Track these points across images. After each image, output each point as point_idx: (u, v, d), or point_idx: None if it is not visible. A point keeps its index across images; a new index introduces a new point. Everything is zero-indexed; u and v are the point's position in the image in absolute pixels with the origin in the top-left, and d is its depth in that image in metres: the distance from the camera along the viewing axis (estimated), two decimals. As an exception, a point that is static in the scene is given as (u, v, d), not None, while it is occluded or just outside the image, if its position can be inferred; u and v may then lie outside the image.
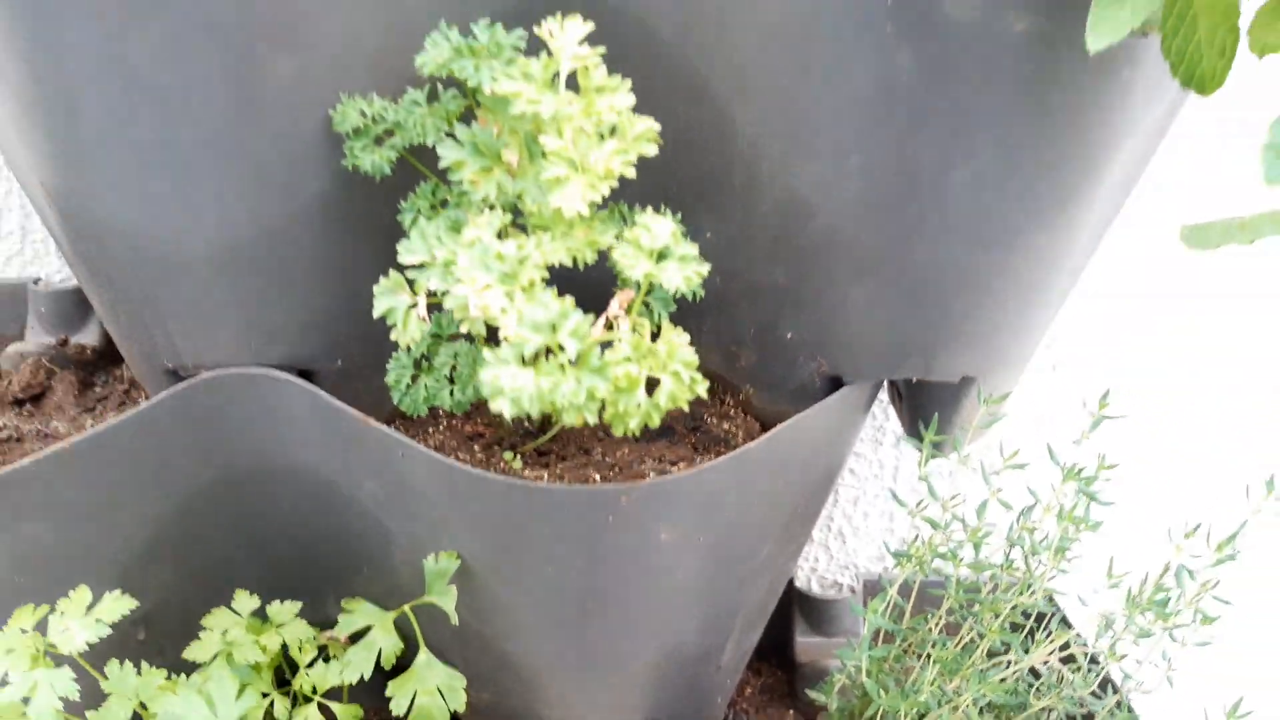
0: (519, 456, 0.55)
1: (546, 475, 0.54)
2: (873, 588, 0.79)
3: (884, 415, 0.76)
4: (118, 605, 0.48)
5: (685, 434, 0.60)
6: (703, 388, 0.39)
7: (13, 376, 0.66)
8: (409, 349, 0.50)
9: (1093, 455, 0.51)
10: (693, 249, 0.40)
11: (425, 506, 0.54)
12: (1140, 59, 0.44)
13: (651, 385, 0.39)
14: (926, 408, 0.58)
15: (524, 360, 0.36)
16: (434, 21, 0.46)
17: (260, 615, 0.55)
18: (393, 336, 0.42)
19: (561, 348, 0.36)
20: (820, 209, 0.50)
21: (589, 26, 0.43)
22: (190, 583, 0.58)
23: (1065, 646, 0.51)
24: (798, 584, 0.80)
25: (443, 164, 0.43)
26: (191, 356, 0.55)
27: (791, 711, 0.75)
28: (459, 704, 0.52)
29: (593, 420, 0.38)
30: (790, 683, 0.77)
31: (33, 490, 0.53)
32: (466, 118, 0.46)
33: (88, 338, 0.70)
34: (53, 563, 0.55)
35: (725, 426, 0.60)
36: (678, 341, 0.38)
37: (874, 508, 0.80)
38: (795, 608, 0.77)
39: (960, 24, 0.43)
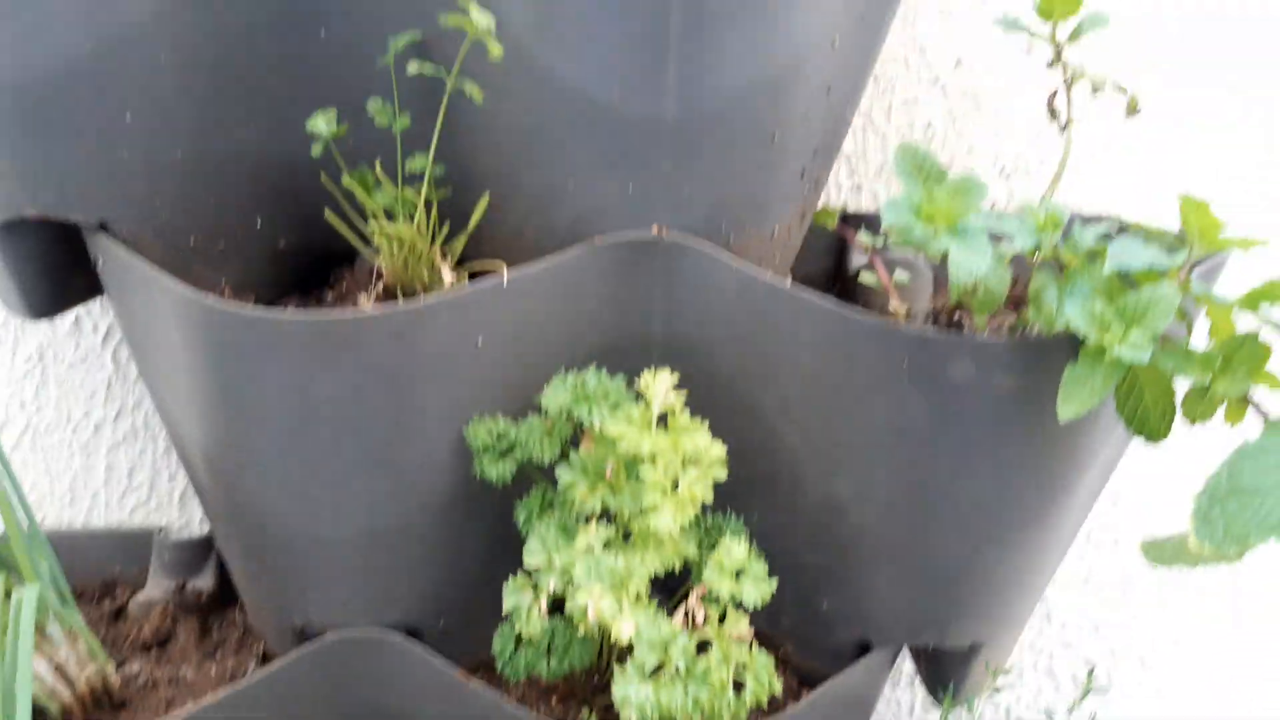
0: (593, 713, 0.64)
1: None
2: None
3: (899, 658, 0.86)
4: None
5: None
6: (778, 687, 0.49)
7: (143, 623, 0.75)
8: (508, 630, 0.60)
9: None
10: (763, 568, 0.51)
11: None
12: (1101, 413, 0.56)
13: (737, 686, 0.49)
14: (943, 668, 0.68)
15: (644, 674, 0.47)
16: (554, 364, 0.59)
17: None
18: (516, 629, 0.52)
19: (675, 666, 0.47)
20: (852, 509, 0.61)
21: (675, 377, 0.56)
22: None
23: None
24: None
25: (560, 485, 0.55)
26: (320, 617, 0.65)
27: None
28: None
29: None
30: None
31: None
32: (575, 439, 0.58)
33: (203, 583, 0.80)
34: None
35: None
36: (761, 657, 0.49)
37: (893, 742, 0.88)
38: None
39: (960, 382, 0.55)
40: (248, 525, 0.64)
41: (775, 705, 0.67)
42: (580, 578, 0.49)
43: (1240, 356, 0.49)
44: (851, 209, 0.78)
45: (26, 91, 0.57)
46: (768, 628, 0.70)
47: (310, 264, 0.72)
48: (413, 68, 0.57)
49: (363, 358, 0.56)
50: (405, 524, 0.62)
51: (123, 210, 0.62)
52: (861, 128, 0.81)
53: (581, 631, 0.49)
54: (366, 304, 0.63)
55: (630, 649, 0.49)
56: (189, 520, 0.86)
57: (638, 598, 0.48)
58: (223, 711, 0.62)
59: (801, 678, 0.70)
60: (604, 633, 0.50)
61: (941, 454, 0.58)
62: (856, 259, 0.75)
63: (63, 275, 0.69)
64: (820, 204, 0.73)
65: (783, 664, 0.71)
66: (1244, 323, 0.53)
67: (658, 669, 0.47)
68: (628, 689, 0.46)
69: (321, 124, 0.59)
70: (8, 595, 0.60)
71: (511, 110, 0.60)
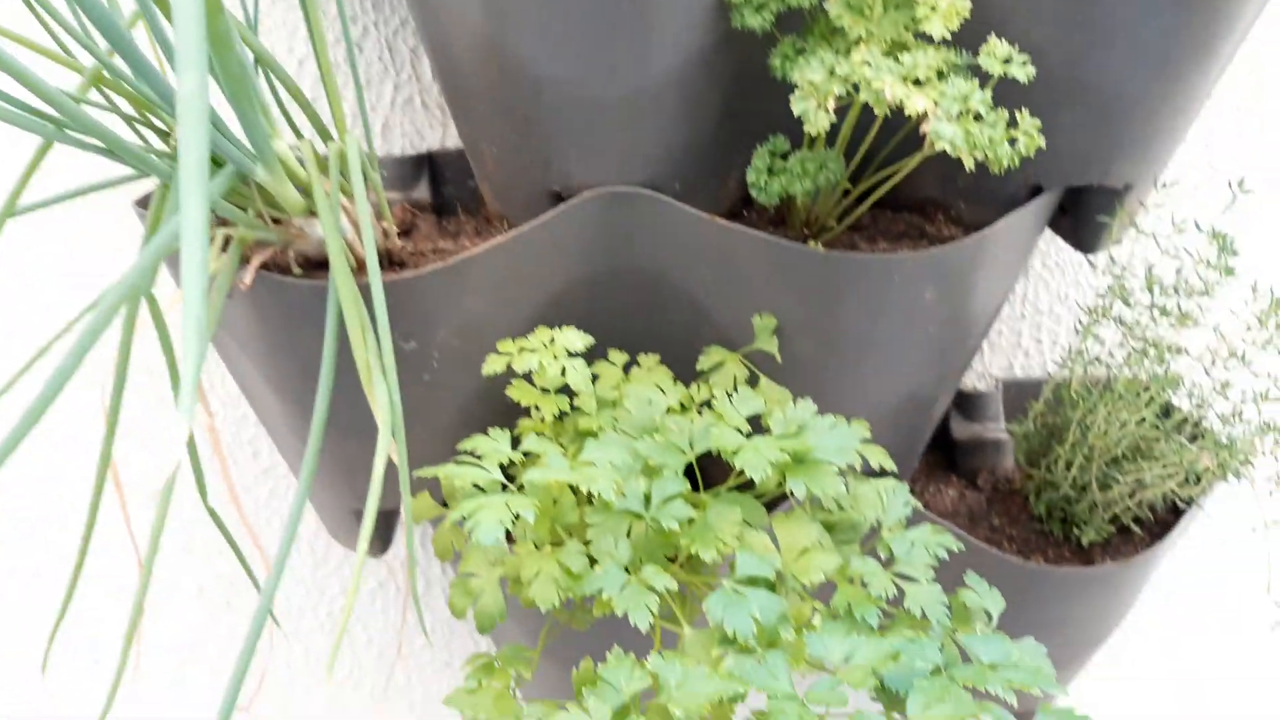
0: (819, 244, 0.76)
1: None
2: (1010, 387, 1.02)
3: (1018, 252, 0.99)
4: (584, 338, 0.68)
5: (918, 239, 0.82)
6: (1042, 142, 0.61)
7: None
8: (767, 156, 0.71)
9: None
10: (1024, 56, 0.62)
11: (749, 282, 0.76)
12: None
13: (1012, 141, 0.61)
14: (1091, 213, 0.81)
15: (951, 119, 0.58)
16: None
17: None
18: (806, 129, 0.63)
19: (975, 111, 0.58)
20: (1041, 56, 0.72)
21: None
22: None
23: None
24: (951, 386, 1.03)
25: (833, 16, 0.64)
26: (579, 179, 0.75)
27: (954, 477, 0.98)
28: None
29: (983, 156, 0.60)
30: (948, 459, 1.00)
31: (476, 272, 0.73)
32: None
33: (421, 194, 0.90)
34: (481, 327, 0.75)
35: (945, 233, 0.82)
36: (1030, 118, 0.60)
37: (1007, 327, 1.02)
38: (951, 401, 1.00)
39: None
40: (515, 95, 0.73)
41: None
42: (870, 74, 0.59)
43: None
44: None
45: None
46: (938, 193, 0.83)
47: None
48: None
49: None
50: (659, 81, 0.71)
51: None
52: None
53: (878, 111, 0.60)
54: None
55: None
56: (390, 149, 0.94)
57: (929, 79, 0.59)
58: (502, 256, 0.73)
59: (971, 231, 0.82)
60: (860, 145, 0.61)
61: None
62: None
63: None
64: None
65: (954, 223, 0.84)
66: None
67: (958, 116, 0.58)
68: (940, 128, 0.57)
69: None
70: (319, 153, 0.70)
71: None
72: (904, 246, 0.79)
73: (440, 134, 0.95)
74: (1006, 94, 0.67)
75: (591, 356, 0.79)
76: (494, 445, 0.59)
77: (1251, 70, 0.94)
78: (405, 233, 0.85)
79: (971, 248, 0.74)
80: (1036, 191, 0.78)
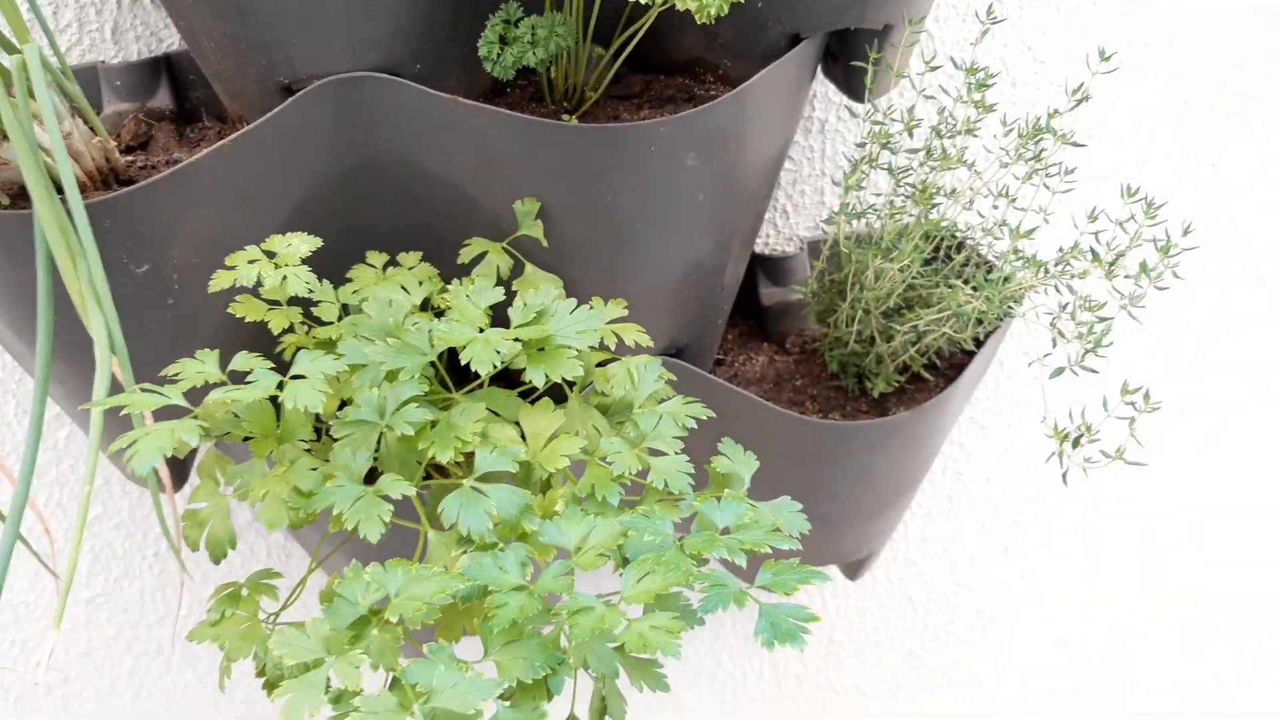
0: (574, 117, 0.73)
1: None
2: (814, 248, 1.01)
3: (812, 108, 0.97)
4: (310, 241, 0.64)
5: (684, 103, 0.78)
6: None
7: (119, 130, 0.78)
8: (500, 26, 0.66)
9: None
10: None
11: (506, 165, 0.72)
12: None
13: None
14: (856, 56, 0.78)
15: None
16: None
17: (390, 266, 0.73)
18: (497, 30, 0.58)
19: None
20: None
21: None
22: (325, 253, 0.74)
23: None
24: (755, 251, 1.01)
25: None
26: (307, 69, 0.70)
27: (765, 344, 0.97)
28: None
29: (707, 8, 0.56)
30: (759, 326, 0.99)
31: (203, 181, 0.68)
32: None
33: (161, 102, 0.83)
34: (222, 242, 0.70)
35: (714, 93, 0.79)
36: None
37: (809, 186, 1.01)
38: (757, 266, 0.98)
39: None
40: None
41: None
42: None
43: None
44: None
45: None
46: (704, 51, 0.79)
47: None
48: None
49: None
50: (374, -43, 0.66)
51: None
52: None
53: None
54: None
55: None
56: (125, 54, 0.86)
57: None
58: (232, 160, 0.68)
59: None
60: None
61: None
62: None
63: None
64: None
65: (722, 83, 0.81)
66: None
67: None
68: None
69: None
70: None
71: None
72: (668, 112, 0.76)
73: (178, 34, 0.87)
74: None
75: (351, 258, 0.75)
76: (197, 367, 0.55)
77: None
78: (140, 146, 0.79)
79: (728, 107, 0.71)
80: (797, 40, 0.76)
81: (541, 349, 0.57)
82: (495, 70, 0.67)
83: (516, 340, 0.56)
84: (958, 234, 0.77)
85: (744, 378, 0.92)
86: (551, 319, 0.58)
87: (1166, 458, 1.28)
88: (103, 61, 0.84)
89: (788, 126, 0.81)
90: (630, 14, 0.71)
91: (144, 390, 0.53)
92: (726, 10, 0.58)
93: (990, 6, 0.69)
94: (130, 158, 0.76)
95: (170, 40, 0.87)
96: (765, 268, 0.99)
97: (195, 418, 0.53)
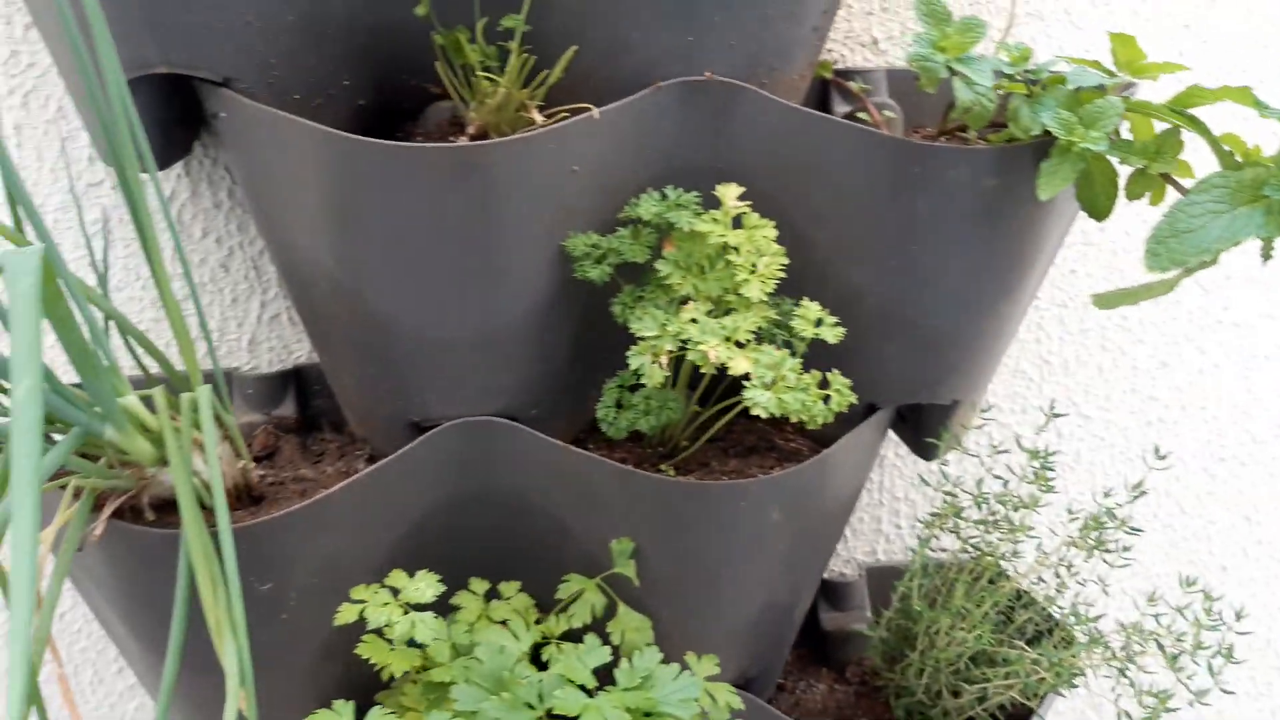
0: (672, 469, 0.80)
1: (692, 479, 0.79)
2: (874, 573, 1.06)
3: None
4: (435, 586, 0.70)
5: (767, 452, 0.86)
6: (853, 398, 0.65)
7: (250, 440, 0.86)
8: (616, 391, 0.74)
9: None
10: (833, 319, 0.67)
11: (605, 505, 0.78)
12: (1058, 200, 0.74)
13: (825, 398, 0.65)
14: (927, 423, 0.86)
15: (765, 387, 0.62)
16: (628, 187, 0.72)
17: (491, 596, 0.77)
18: (644, 380, 0.66)
19: (785, 379, 0.62)
20: (867, 293, 0.78)
21: (740, 189, 0.70)
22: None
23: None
24: (817, 575, 1.06)
25: (661, 275, 0.69)
26: (437, 411, 0.78)
27: (825, 669, 1.00)
28: (649, 639, 0.75)
29: (800, 418, 0.64)
30: (819, 650, 1.02)
31: (334, 509, 0.74)
32: (656, 247, 0.72)
33: (287, 411, 0.91)
34: (339, 563, 0.76)
35: (792, 445, 0.86)
36: (840, 377, 0.65)
37: (868, 514, 1.07)
38: (819, 592, 1.03)
39: (957, 183, 0.72)
40: (373, 336, 0.75)
41: (801, 457, 0.84)
42: (697, 335, 0.64)
43: (1166, 146, 0.67)
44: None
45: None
46: (787, 407, 0.87)
47: (377, 120, 0.82)
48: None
49: (485, 179, 0.68)
50: (510, 324, 0.75)
51: (244, 68, 0.71)
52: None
53: (704, 370, 0.64)
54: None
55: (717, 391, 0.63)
56: (258, 363, 0.96)
57: (749, 342, 0.63)
58: (361, 492, 0.75)
59: (817, 443, 0.87)
60: (700, 383, 0.65)
61: (940, 242, 0.75)
62: (839, 106, 0.90)
63: (169, 131, 0.77)
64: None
65: (800, 433, 0.88)
66: (1159, 126, 0.71)
67: (772, 384, 0.62)
68: (756, 395, 0.61)
69: (428, -14, 0.70)
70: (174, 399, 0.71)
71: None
72: (753, 462, 0.83)
73: (307, 346, 0.96)
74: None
75: (454, 582, 0.80)
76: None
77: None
78: (268, 456, 0.86)
79: (812, 470, 0.78)
80: (873, 410, 0.84)
81: (646, 715, 0.61)
82: (610, 431, 0.75)
83: (625, 709, 0.60)
84: (1023, 593, 0.82)
85: (805, 708, 0.94)
86: (655, 685, 0.62)
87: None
88: (238, 368, 0.93)
89: (861, 479, 0.88)
90: (731, 385, 0.79)
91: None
92: (832, 419, 0.65)
93: (1053, 403, 0.77)
94: (260, 471, 0.82)
95: (299, 353, 0.96)
96: (826, 592, 1.03)
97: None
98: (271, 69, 0.72)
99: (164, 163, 0.78)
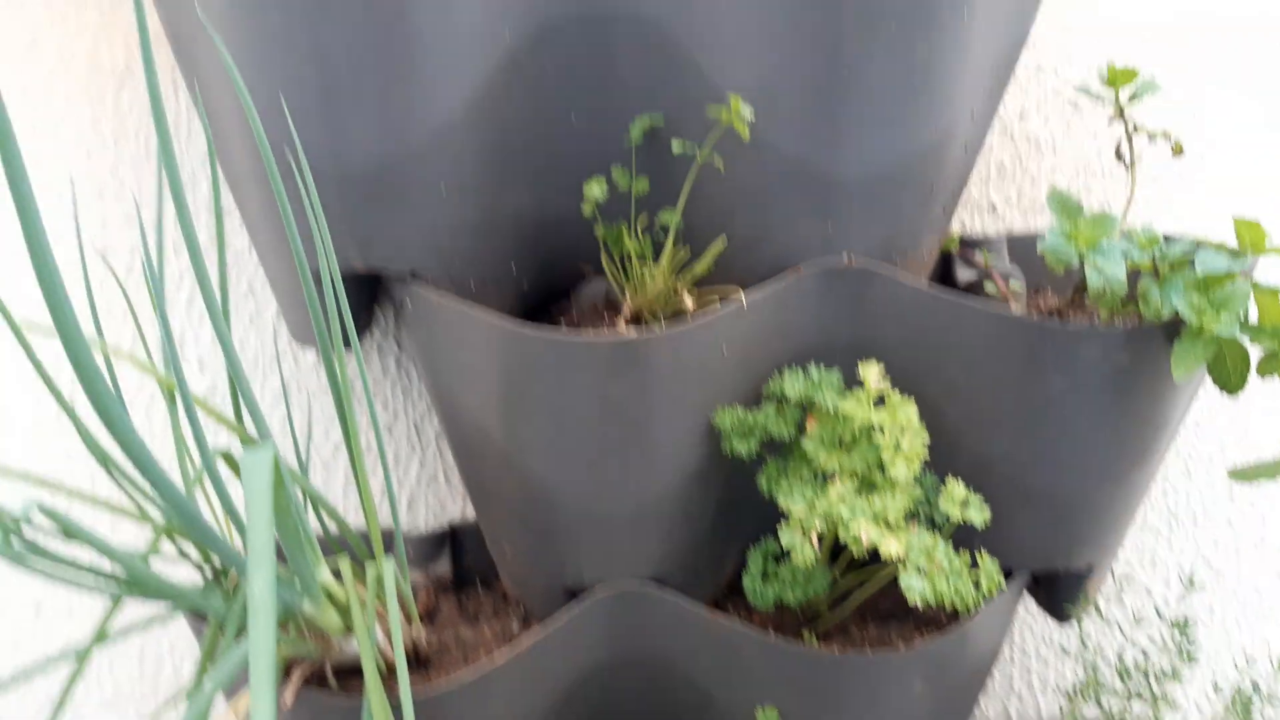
0: (814, 635, 0.82)
1: (835, 648, 0.81)
2: None
3: (1002, 599, 1.05)
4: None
5: (905, 620, 0.88)
6: (1002, 582, 0.68)
7: (415, 601, 0.91)
8: (760, 561, 0.78)
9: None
10: (978, 499, 0.71)
11: (749, 671, 0.81)
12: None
13: (975, 583, 0.68)
14: (1061, 589, 0.87)
15: (919, 572, 0.65)
16: (771, 365, 0.78)
17: (640, 757, 0.80)
18: (794, 559, 0.70)
19: (938, 563, 0.65)
20: (999, 465, 0.81)
21: (881, 366, 0.75)
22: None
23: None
24: None
25: (807, 452, 0.73)
26: (591, 578, 0.82)
27: (963, 833, 0.99)
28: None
29: (952, 605, 0.67)
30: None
31: (497, 676, 0.78)
32: (800, 422, 0.77)
33: (442, 569, 0.97)
34: (502, 726, 0.80)
35: (931, 613, 0.88)
36: (992, 562, 0.68)
37: (999, 671, 1.07)
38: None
39: (1089, 361, 0.75)
40: (537, 508, 0.81)
41: (939, 623, 0.85)
42: (846, 514, 0.67)
43: (1297, 329, 0.69)
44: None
45: (369, 174, 0.75)
46: (922, 569, 0.89)
47: (537, 302, 0.90)
48: (676, 147, 0.76)
49: (646, 367, 0.74)
50: (661, 496, 0.79)
51: (429, 262, 0.80)
52: (952, 172, 1.01)
53: (855, 551, 0.67)
54: (624, 329, 0.81)
55: (854, 567, 0.67)
56: (416, 522, 1.02)
57: (899, 524, 0.67)
58: (525, 661, 0.79)
59: (956, 610, 0.88)
60: (842, 553, 0.68)
61: (1072, 415, 0.78)
62: (963, 273, 0.95)
63: (356, 315, 0.86)
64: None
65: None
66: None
67: (925, 569, 0.66)
68: (910, 580, 0.65)
69: (595, 189, 0.78)
70: (359, 572, 0.77)
71: (732, 172, 0.79)
72: (893, 627, 0.85)
73: (461, 505, 1.03)
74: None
75: (604, 744, 0.83)
76: None
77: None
78: (428, 617, 0.91)
79: (953, 638, 0.79)
80: (1008, 574, 0.85)
81: None
82: (757, 603, 0.78)
83: None
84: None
85: None
86: None
87: None
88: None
89: (998, 643, 0.89)
90: (871, 558, 0.82)
91: None
92: (983, 604, 0.68)
93: (1191, 577, 0.78)
94: (424, 632, 0.88)
95: (453, 510, 1.02)
96: (960, 752, 1.03)
97: None
98: (452, 262, 0.81)
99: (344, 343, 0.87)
